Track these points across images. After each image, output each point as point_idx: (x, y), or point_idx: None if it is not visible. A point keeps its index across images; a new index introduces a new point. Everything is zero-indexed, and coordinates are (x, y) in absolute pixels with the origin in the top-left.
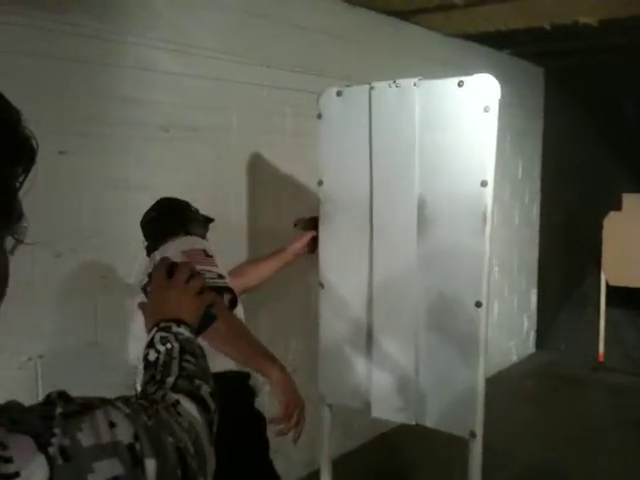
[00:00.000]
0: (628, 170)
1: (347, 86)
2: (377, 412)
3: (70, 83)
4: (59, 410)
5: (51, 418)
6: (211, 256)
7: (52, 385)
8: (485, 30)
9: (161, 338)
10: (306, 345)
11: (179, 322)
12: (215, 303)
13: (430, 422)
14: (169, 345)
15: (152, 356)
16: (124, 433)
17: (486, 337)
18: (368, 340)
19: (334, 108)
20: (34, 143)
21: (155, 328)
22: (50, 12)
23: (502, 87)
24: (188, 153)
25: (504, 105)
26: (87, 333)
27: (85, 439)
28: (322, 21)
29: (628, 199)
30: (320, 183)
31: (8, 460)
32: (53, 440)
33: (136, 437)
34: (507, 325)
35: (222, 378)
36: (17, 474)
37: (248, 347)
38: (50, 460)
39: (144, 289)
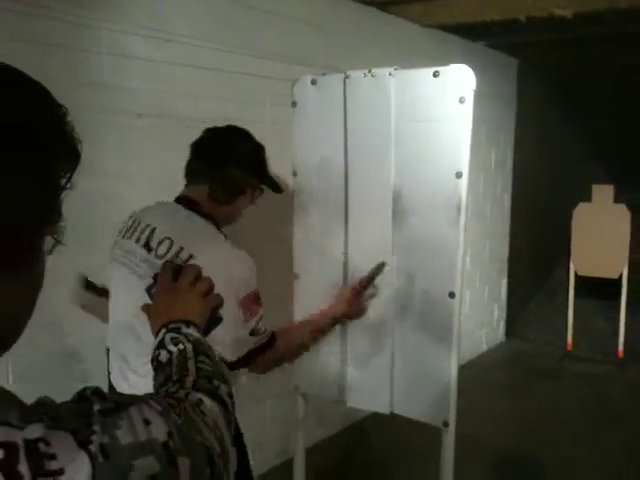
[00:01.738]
0: (598, 162)
1: (322, 74)
2: (353, 402)
3: (45, 68)
4: (97, 407)
5: (88, 415)
6: (260, 300)
7: (23, 380)
8: (462, 21)
9: (172, 339)
10: None
11: (188, 323)
12: (221, 305)
13: (404, 411)
14: (181, 346)
15: (164, 357)
16: (159, 431)
17: (459, 327)
18: (343, 330)
19: (309, 97)
20: (79, 144)
21: (164, 329)
22: None
23: (477, 78)
24: (163, 141)
25: (479, 95)
26: (61, 327)
27: (123, 437)
28: (302, 10)
29: (597, 190)
30: (294, 174)
31: (52, 457)
32: (93, 437)
33: (170, 435)
34: (478, 314)
35: None
36: (61, 471)
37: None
38: (92, 458)
39: (149, 291)
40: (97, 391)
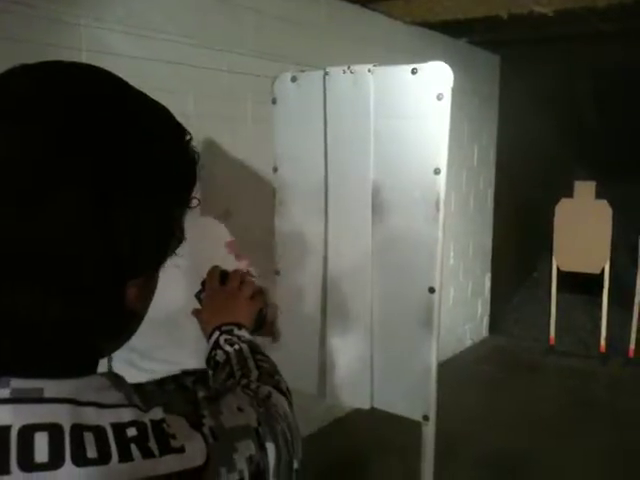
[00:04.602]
0: (580, 158)
1: (302, 71)
2: (332, 398)
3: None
4: (201, 394)
5: (194, 402)
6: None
7: None
8: (444, 18)
9: (226, 340)
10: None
11: (239, 325)
12: (265, 305)
13: (385, 406)
14: (237, 346)
15: (220, 357)
16: (251, 418)
17: (439, 322)
18: (323, 326)
19: (289, 94)
20: (199, 167)
21: (217, 332)
22: None
23: (459, 75)
24: None
25: (461, 92)
26: None
27: (226, 421)
28: (283, 7)
29: (579, 186)
30: (275, 170)
31: (173, 436)
32: (204, 421)
33: (259, 422)
34: (462, 310)
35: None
36: (182, 448)
37: None
38: (205, 438)
39: (198, 296)
40: (199, 379)
